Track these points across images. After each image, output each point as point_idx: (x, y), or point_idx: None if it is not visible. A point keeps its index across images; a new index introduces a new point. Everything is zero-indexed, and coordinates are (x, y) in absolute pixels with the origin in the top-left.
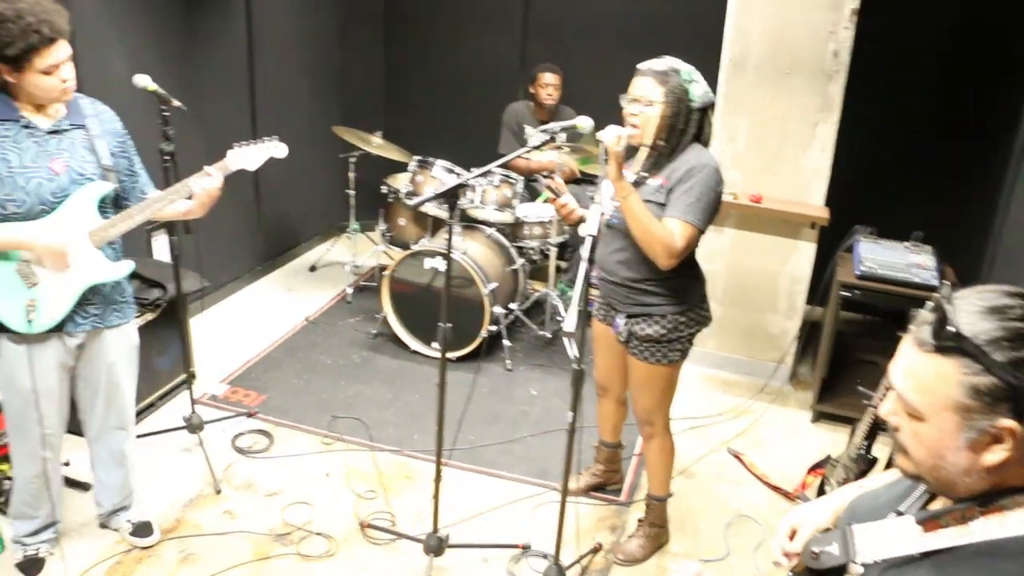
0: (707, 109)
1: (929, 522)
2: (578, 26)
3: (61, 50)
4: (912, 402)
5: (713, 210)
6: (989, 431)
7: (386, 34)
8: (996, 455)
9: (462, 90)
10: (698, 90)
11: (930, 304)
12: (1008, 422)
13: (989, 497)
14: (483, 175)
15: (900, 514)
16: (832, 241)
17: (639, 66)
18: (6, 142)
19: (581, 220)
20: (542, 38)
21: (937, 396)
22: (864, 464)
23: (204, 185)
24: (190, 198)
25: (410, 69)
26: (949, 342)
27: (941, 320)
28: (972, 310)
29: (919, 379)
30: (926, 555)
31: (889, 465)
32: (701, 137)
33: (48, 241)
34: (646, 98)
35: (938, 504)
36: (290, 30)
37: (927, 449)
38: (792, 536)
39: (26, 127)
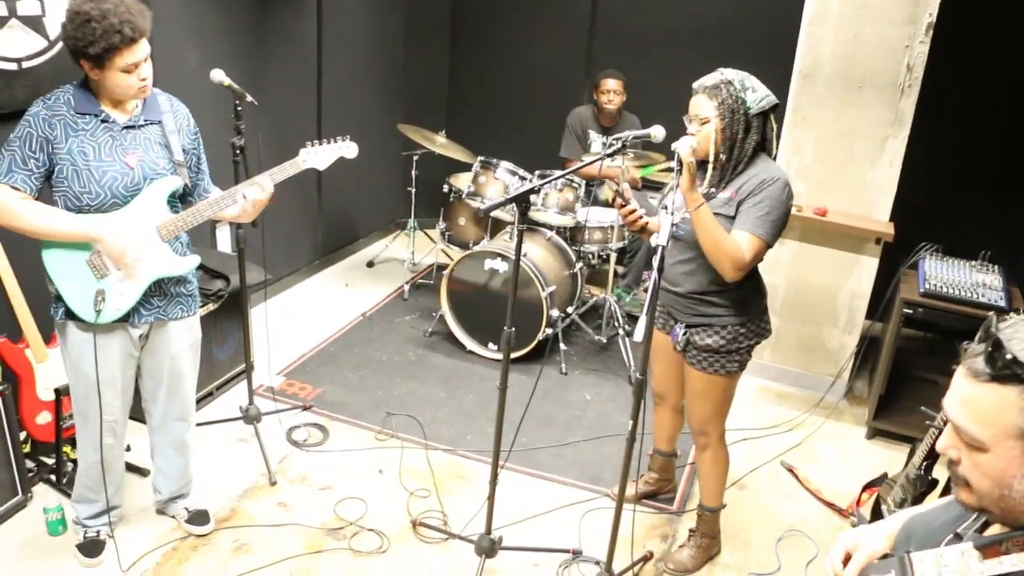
0: (768, 114)
1: (989, 548)
2: (646, 32)
3: (141, 49)
4: (973, 433)
5: (782, 224)
6: None
7: (452, 35)
8: None
9: (526, 93)
10: (754, 96)
11: (980, 335)
12: None
13: None
14: (543, 175)
15: (959, 536)
16: (896, 257)
17: (694, 85)
18: (84, 135)
19: (645, 227)
20: (608, 43)
21: (998, 425)
22: (923, 485)
23: (252, 196)
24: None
25: (474, 70)
26: (1006, 370)
27: (996, 347)
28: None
29: (977, 410)
30: None
31: (948, 489)
32: (765, 144)
33: (113, 240)
34: (701, 116)
35: (996, 529)
36: (358, 29)
37: (992, 480)
38: (846, 560)
39: (104, 121)
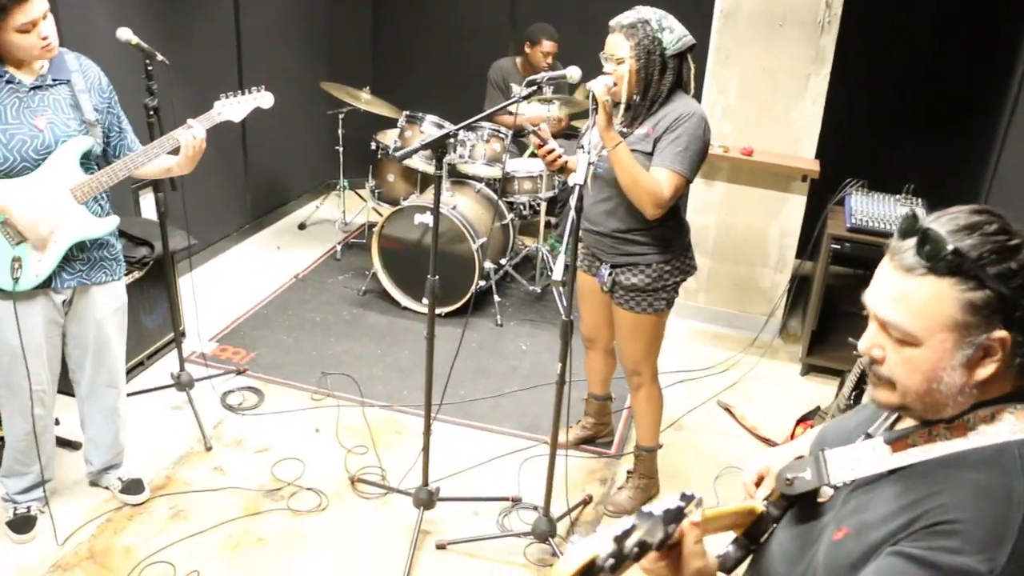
0: (685, 54)
1: (898, 442)
2: None
3: (35, 7)
4: (906, 327)
5: (700, 159)
6: (983, 345)
7: None
8: (987, 369)
9: (451, 46)
10: (670, 37)
11: (903, 229)
12: (1001, 333)
13: (955, 415)
14: (470, 128)
15: (869, 436)
16: (823, 195)
17: (610, 23)
18: None
19: (565, 166)
20: None
21: (934, 318)
22: None
23: (187, 137)
24: (175, 152)
25: (399, 24)
26: (942, 262)
27: (931, 240)
28: (950, 229)
29: (911, 303)
30: (893, 472)
31: (859, 395)
32: (682, 84)
33: (22, 213)
34: (617, 55)
35: (904, 424)
36: None
37: (922, 374)
38: (758, 483)
39: (9, 83)
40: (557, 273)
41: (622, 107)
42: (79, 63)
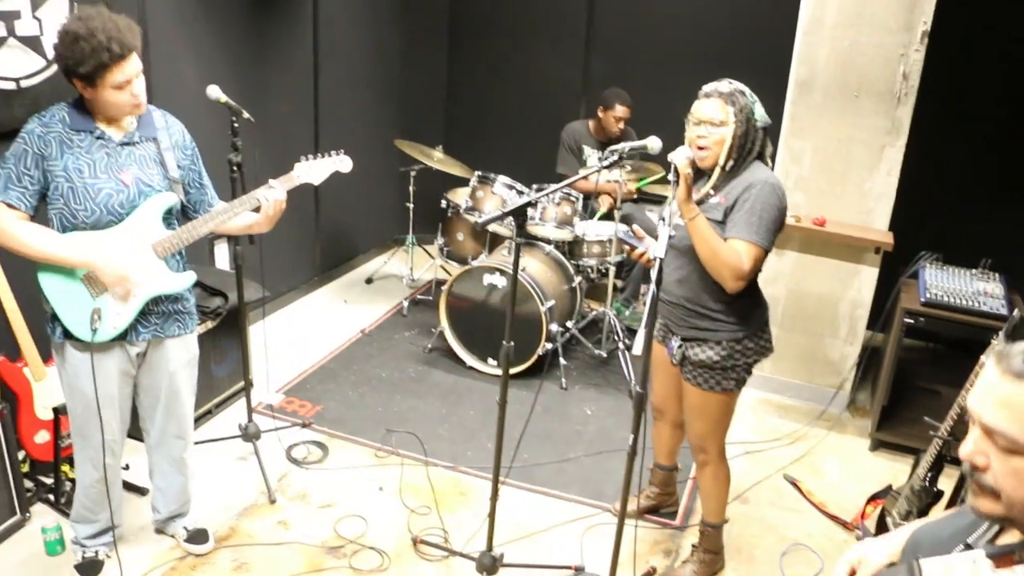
0: (767, 129)
1: (1002, 557)
2: (641, 45)
3: (131, 66)
4: (1015, 435)
5: (777, 228)
6: None
7: (449, 48)
8: None
9: (523, 107)
10: (760, 111)
11: (1009, 331)
12: None
13: None
14: (542, 190)
15: (968, 547)
16: (896, 267)
17: (705, 88)
18: (79, 152)
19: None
20: (605, 57)
21: None
22: (928, 497)
23: (269, 198)
24: (256, 210)
25: (472, 84)
26: None
27: None
28: None
29: (1020, 410)
30: None
31: (953, 501)
32: (762, 157)
33: (109, 269)
34: (716, 119)
35: (1008, 538)
36: (355, 44)
37: None
38: (852, 574)
39: (99, 139)
40: (637, 348)
41: (717, 170)
42: (165, 120)
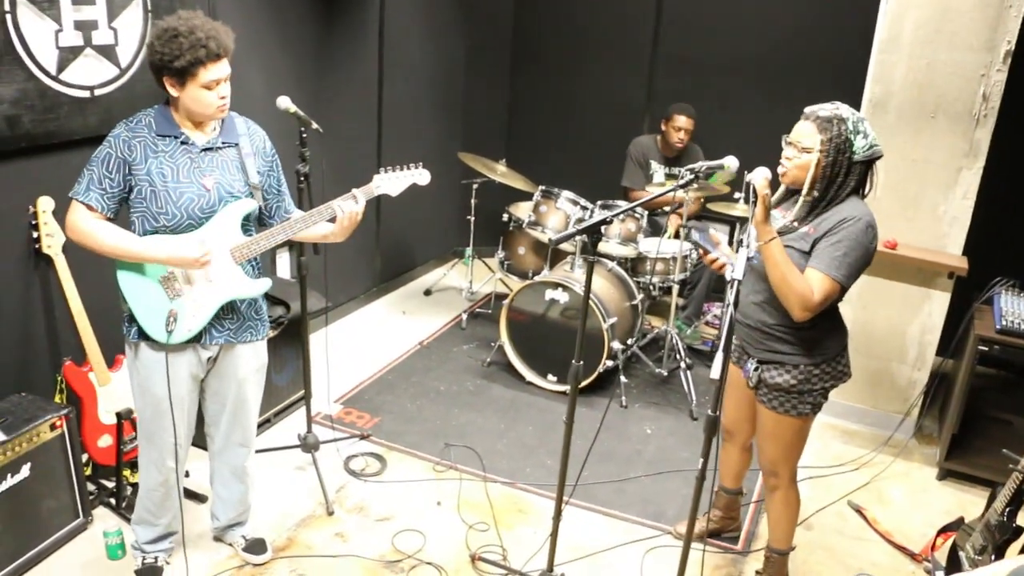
0: (872, 162)
1: None
2: (708, 61)
3: (223, 67)
4: None
5: (861, 267)
6: None
7: (512, 63)
8: None
9: (587, 121)
10: (862, 143)
11: None
12: None
13: None
14: (607, 207)
15: None
16: (967, 292)
17: (805, 110)
18: (163, 157)
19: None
20: (670, 72)
21: None
22: (1005, 533)
23: (347, 209)
24: (332, 220)
25: (535, 98)
26: None
27: None
28: None
29: None
30: None
31: None
32: (862, 191)
33: (183, 268)
34: (802, 144)
35: None
36: (419, 57)
37: None
38: None
39: (183, 143)
40: (715, 371)
41: (801, 198)
42: (247, 127)
